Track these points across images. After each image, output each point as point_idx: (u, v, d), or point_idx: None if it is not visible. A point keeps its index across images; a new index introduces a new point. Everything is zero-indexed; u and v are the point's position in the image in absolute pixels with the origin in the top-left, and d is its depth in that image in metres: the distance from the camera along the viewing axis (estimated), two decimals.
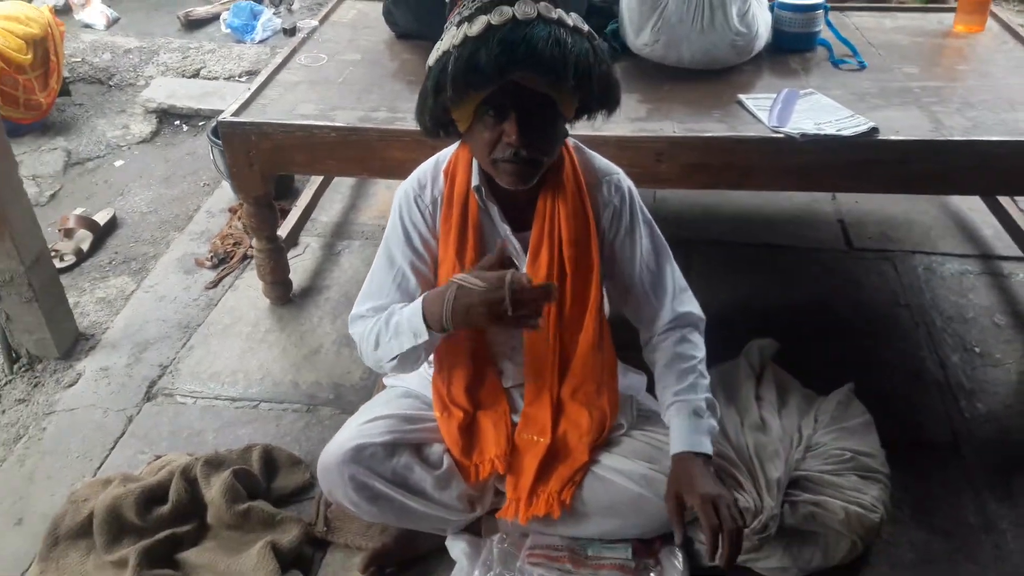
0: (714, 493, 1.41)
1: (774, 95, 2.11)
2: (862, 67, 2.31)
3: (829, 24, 2.43)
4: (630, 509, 1.55)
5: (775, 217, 2.82)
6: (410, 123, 2.04)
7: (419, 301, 1.46)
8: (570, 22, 1.34)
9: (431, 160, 1.59)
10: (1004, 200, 2.61)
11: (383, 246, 1.59)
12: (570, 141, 1.55)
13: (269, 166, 2.14)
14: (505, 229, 1.54)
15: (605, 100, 1.44)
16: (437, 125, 1.44)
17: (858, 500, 1.57)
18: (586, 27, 1.38)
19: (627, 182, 1.60)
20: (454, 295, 1.38)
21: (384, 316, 1.51)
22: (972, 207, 2.78)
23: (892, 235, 2.70)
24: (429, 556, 1.68)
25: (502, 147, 1.38)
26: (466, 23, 1.31)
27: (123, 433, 2.03)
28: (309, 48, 2.53)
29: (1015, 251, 2.52)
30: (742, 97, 2.12)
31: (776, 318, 2.29)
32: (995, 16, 2.59)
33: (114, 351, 2.29)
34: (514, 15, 1.29)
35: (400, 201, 1.57)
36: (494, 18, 1.29)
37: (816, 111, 2.03)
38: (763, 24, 2.32)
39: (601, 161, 1.61)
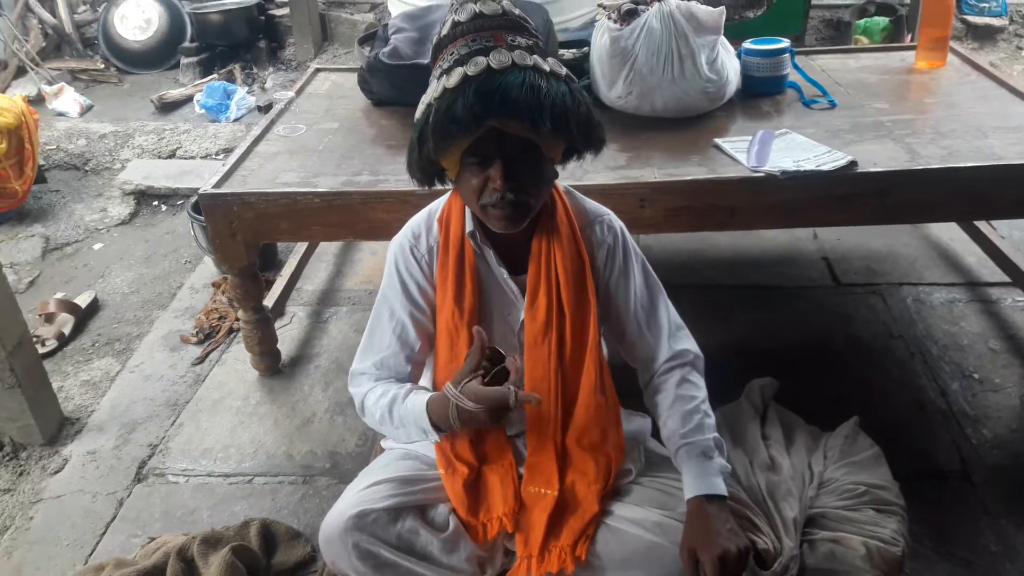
0: (727, 548, 1.37)
1: (750, 137, 2.14)
2: (833, 105, 2.35)
3: (796, 67, 2.49)
4: (645, 559, 1.50)
5: (760, 259, 2.83)
6: (393, 185, 2.06)
7: (423, 405, 1.47)
8: (546, 67, 1.36)
9: (424, 211, 1.60)
10: (984, 228, 2.65)
11: (380, 299, 1.58)
12: (561, 185, 1.56)
13: (252, 235, 2.13)
14: (502, 273, 1.54)
15: (588, 140, 1.45)
16: (427, 176, 1.46)
17: (877, 534, 1.54)
18: (564, 71, 1.40)
19: (618, 223, 1.61)
20: (457, 414, 1.41)
21: (387, 401, 1.52)
22: (952, 237, 2.81)
23: (877, 269, 2.72)
24: None
25: (489, 192, 1.39)
26: (445, 76, 1.35)
27: (114, 517, 1.95)
28: (286, 119, 2.54)
29: (1000, 277, 2.54)
30: (719, 141, 2.14)
31: (772, 358, 2.27)
32: (955, 51, 2.67)
33: (101, 434, 2.23)
34: (488, 65, 1.32)
35: (395, 253, 1.57)
36: (470, 69, 1.32)
37: (793, 149, 2.06)
38: (732, 71, 2.36)
39: (592, 204, 1.62)
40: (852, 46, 4.29)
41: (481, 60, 1.32)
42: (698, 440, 1.50)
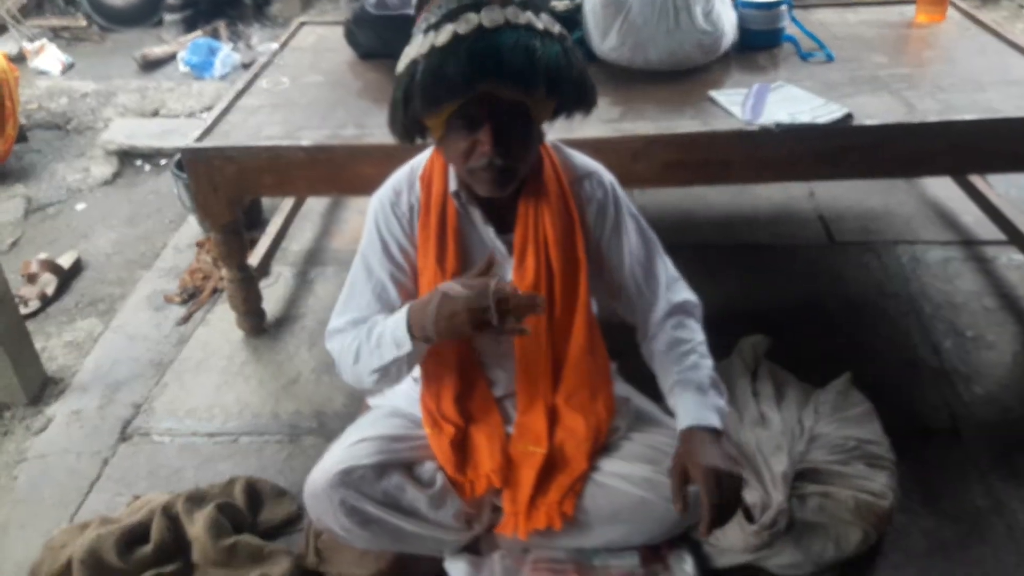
0: (721, 467, 1.33)
1: (745, 90, 2.09)
2: (830, 59, 2.30)
3: (794, 20, 2.44)
4: (634, 514, 1.49)
5: (755, 217, 2.80)
6: (379, 139, 2.01)
7: (404, 310, 1.41)
8: (540, 25, 1.30)
9: (405, 167, 1.55)
10: (982, 186, 2.61)
11: (359, 257, 1.53)
12: (548, 141, 1.51)
13: (235, 190, 2.08)
14: (489, 232, 1.49)
15: (580, 102, 1.40)
16: (410, 134, 1.40)
17: (867, 488, 1.53)
18: (557, 28, 1.34)
19: (609, 177, 1.56)
20: (438, 303, 1.34)
21: (366, 328, 1.46)
22: (950, 196, 2.78)
23: (873, 227, 2.70)
24: None
25: (477, 156, 1.34)
26: (433, 31, 1.27)
27: (99, 476, 1.93)
28: (270, 73, 2.48)
29: (997, 235, 2.51)
30: (713, 94, 2.10)
31: (766, 316, 2.25)
32: (955, 5, 2.62)
33: (85, 393, 2.20)
34: (480, 23, 1.25)
35: (375, 210, 1.52)
36: (460, 27, 1.25)
37: (789, 102, 2.02)
38: (728, 23, 2.31)
39: (581, 158, 1.57)
40: (852, 0, 4.21)
41: (472, 17, 1.25)
42: (693, 376, 1.47)
